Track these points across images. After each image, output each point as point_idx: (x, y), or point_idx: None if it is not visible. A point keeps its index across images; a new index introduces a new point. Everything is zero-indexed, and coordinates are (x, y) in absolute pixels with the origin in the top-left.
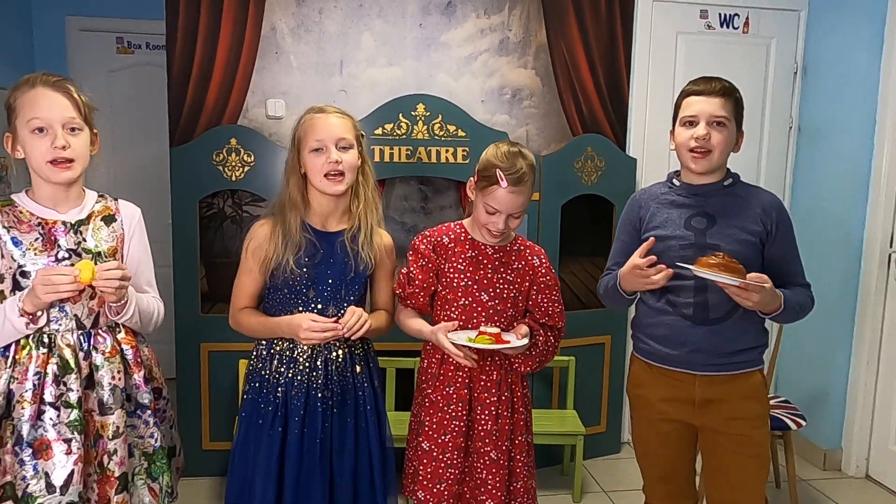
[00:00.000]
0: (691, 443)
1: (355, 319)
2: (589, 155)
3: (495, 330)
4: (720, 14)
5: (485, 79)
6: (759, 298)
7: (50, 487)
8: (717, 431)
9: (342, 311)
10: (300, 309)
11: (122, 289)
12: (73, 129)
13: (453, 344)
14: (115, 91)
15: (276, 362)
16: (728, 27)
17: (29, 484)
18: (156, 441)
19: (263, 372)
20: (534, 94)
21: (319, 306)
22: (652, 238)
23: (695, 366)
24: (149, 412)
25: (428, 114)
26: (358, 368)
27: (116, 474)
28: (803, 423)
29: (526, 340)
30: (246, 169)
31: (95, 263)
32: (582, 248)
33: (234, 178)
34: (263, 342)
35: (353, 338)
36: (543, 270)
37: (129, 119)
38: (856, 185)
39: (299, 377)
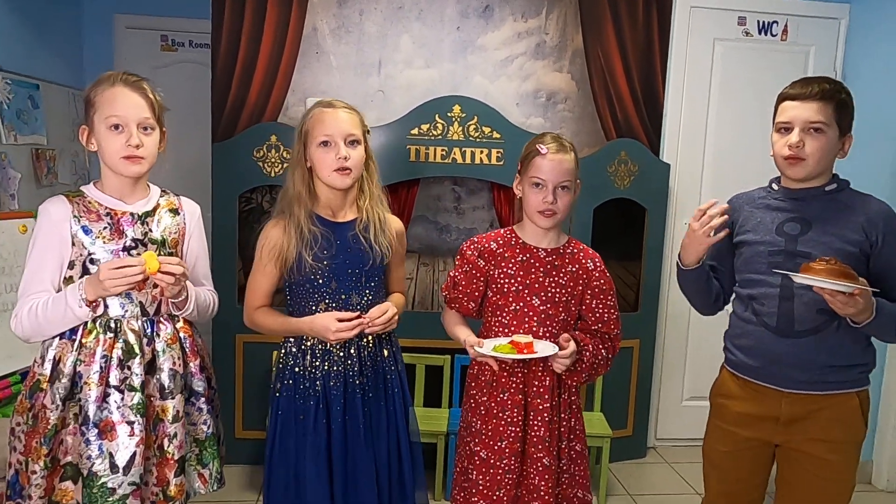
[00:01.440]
0: (766, 464)
1: (385, 319)
2: (622, 159)
3: (527, 339)
4: (758, 21)
5: (520, 82)
6: (864, 305)
7: (114, 467)
8: (797, 450)
9: (365, 299)
10: (326, 301)
11: (178, 284)
12: (146, 129)
13: (479, 354)
14: (160, 87)
15: (309, 357)
16: (766, 34)
17: (94, 463)
18: (208, 428)
19: (297, 368)
20: (569, 98)
21: (343, 296)
22: (723, 206)
23: (781, 381)
24: (203, 399)
25: (464, 115)
26: (385, 352)
27: (175, 457)
28: None
29: (553, 348)
30: (285, 165)
31: (159, 254)
32: (613, 252)
33: (272, 174)
34: (293, 339)
35: (385, 331)
36: (598, 274)
37: (171, 114)
38: (895, 196)
39: (336, 367)
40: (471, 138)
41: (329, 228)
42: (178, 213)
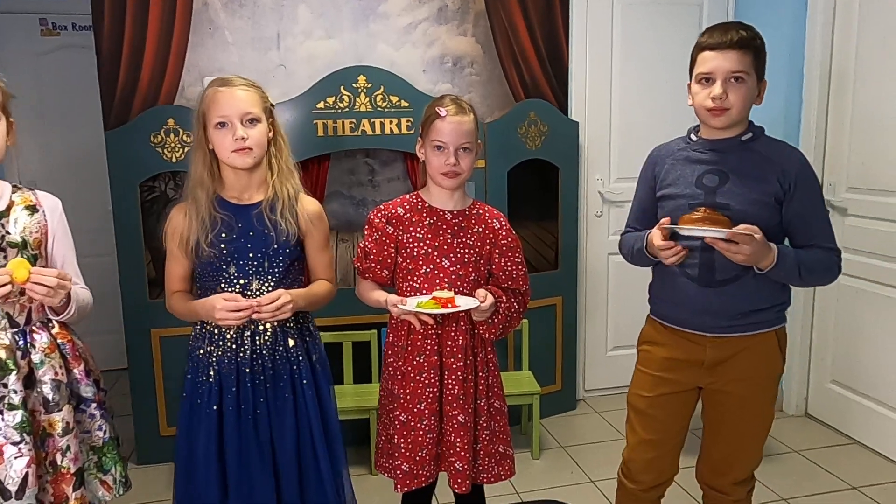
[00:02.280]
0: (689, 408)
1: (276, 305)
2: (532, 120)
3: (448, 294)
4: None
5: (425, 48)
6: (749, 251)
7: (5, 493)
8: (720, 391)
9: (267, 285)
10: (222, 286)
11: (56, 295)
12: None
13: (402, 311)
14: (43, 75)
15: (206, 342)
16: None
17: None
18: (105, 433)
19: (199, 352)
20: (475, 62)
21: (242, 282)
22: (667, 218)
23: (706, 327)
24: (94, 405)
25: (370, 85)
26: (291, 342)
27: (72, 471)
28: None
29: (474, 302)
30: (186, 149)
31: (21, 256)
32: (530, 213)
33: (174, 160)
34: (198, 324)
35: (275, 319)
36: (504, 233)
37: (60, 103)
38: (787, 133)
39: (228, 354)
40: (379, 108)
41: (231, 212)
42: (37, 210)
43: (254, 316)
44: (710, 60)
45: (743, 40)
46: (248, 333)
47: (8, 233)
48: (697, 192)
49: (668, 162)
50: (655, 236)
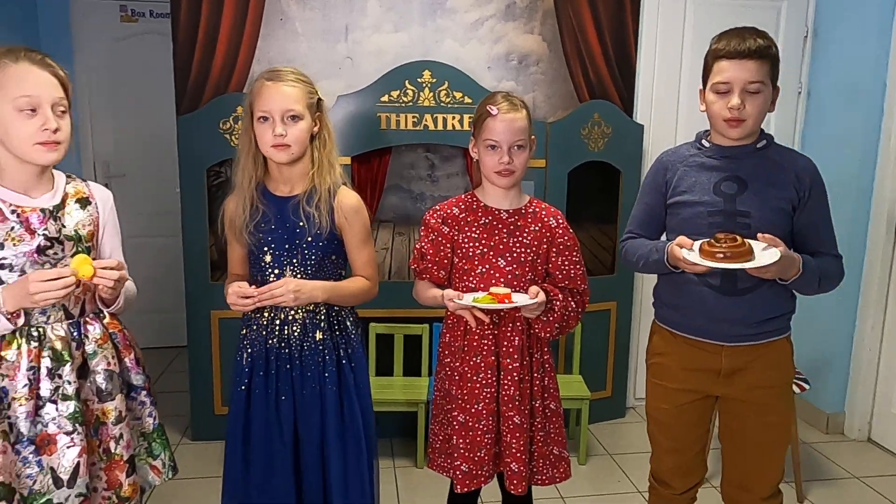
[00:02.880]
0: (707, 415)
1: (271, 294)
2: (596, 121)
3: (504, 290)
4: None
5: (491, 44)
6: (777, 268)
7: (57, 482)
8: (739, 400)
9: (301, 277)
10: (262, 275)
11: (117, 288)
12: (61, 110)
13: (458, 305)
14: (121, 60)
15: (244, 325)
16: None
17: (36, 480)
18: (154, 420)
19: (241, 332)
20: (541, 61)
21: (277, 271)
22: (687, 240)
23: (723, 336)
24: (143, 393)
25: (434, 80)
26: (318, 335)
27: (125, 458)
28: (807, 386)
29: (532, 299)
30: None
31: (77, 249)
32: (588, 215)
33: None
34: None
35: (293, 305)
36: (561, 231)
37: (135, 88)
38: (865, 151)
39: (259, 339)
40: (442, 104)
41: (271, 201)
42: (90, 203)
43: (257, 303)
44: (727, 70)
45: (760, 49)
46: (278, 322)
47: (64, 226)
48: (716, 200)
49: (680, 168)
50: (679, 253)
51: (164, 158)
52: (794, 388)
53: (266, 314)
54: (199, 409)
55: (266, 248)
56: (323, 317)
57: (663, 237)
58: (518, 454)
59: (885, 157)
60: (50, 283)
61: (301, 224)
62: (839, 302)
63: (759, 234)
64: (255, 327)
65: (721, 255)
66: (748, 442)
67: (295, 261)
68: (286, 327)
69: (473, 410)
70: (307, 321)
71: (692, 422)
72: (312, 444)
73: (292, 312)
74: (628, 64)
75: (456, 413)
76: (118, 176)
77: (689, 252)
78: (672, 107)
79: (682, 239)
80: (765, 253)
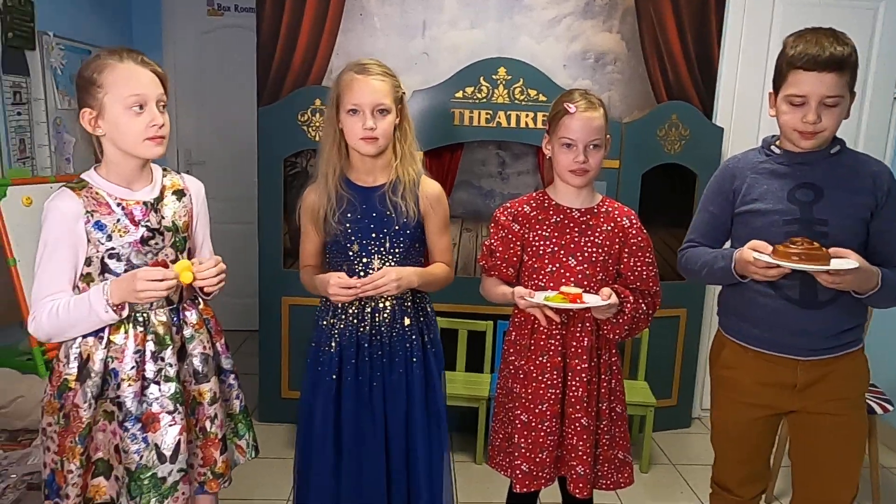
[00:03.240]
0: (776, 427)
1: (375, 284)
2: (673, 123)
3: (576, 290)
4: None
5: (568, 42)
6: (853, 279)
7: (161, 457)
8: (812, 413)
9: (389, 265)
10: (347, 264)
11: (221, 284)
12: (163, 106)
13: (529, 303)
14: (206, 53)
15: (330, 314)
16: None
17: (143, 456)
18: (241, 402)
19: (322, 323)
20: (618, 59)
21: (365, 260)
22: (765, 244)
23: (800, 350)
24: (232, 376)
25: (509, 77)
26: (406, 321)
27: (219, 437)
28: (890, 407)
29: (604, 300)
30: None
31: (174, 239)
32: (661, 219)
33: (317, 138)
34: (322, 296)
35: (380, 294)
36: (634, 231)
37: (218, 79)
38: None
39: (349, 328)
40: (516, 101)
41: (356, 192)
42: (185, 195)
43: (360, 294)
44: (804, 83)
45: (840, 60)
46: (369, 310)
47: (163, 217)
48: (792, 208)
49: (749, 175)
50: (750, 257)
51: (242, 148)
52: (877, 408)
53: (355, 303)
54: (267, 392)
55: (354, 238)
56: (409, 303)
57: (727, 245)
58: (584, 457)
59: None
60: (155, 283)
61: (388, 213)
62: None
63: (833, 249)
64: (343, 317)
65: (797, 257)
66: (822, 456)
67: (383, 249)
68: (377, 315)
69: (537, 411)
70: (396, 308)
71: (761, 436)
72: (399, 427)
73: (382, 300)
74: (710, 64)
75: (519, 412)
76: (198, 163)
77: (761, 254)
78: (755, 110)
79: (756, 242)
80: (842, 260)
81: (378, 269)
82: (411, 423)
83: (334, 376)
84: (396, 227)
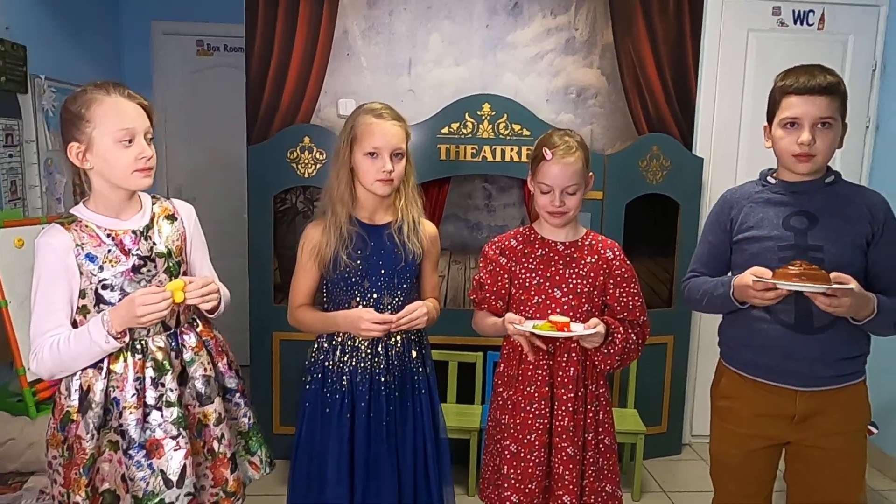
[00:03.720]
0: (776, 461)
1: (410, 318)
2: (654, 154)
3: (563, 319)
4: (794, 10)
5: (550, 78)
6: (851, 303)
7: (168, 483)
8: (813, 446)
9: (396, 300)
10: (357, 300)
11: (212, 300)
12: (150, 138)
13: (517, 330)
14: (196, 91)
15: (338, 353)
16: (802, 24)
17: (149, 482)
18: (249, 419)
19: (326, 363)
20: (599, 94)
21: (375, 295)
22: (764, 270)
23: (798, 379)
24: (238, 395)
25: (493, 113)
26: (414, 353)
27: (228, 456)
28: (875, 430)
29: (589, 330)
30: (318, 166)
31: (168, 265)
32: (646, 248)
33: (306, 175)
34: (323, 336)
35: (411, 328)
36: (618, 263)
37: (208, 118)
38: None
39: (363, 364)
40: (501, 136)
41: (365, 230)
42: (176, 219)
43: (393, 328)
44: (797, 106)
45: (831, 86)
46: (382, 346)
47: (155, 244)
48: (786, 234)
49: (745, 205)
50: (748, 280)
51: (231, 184)
52: None
53: (368, 340)
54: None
55: (365, 274)
56: (415, 336)
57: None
58: (570, 486)
59: None
60: (154, 305)
61: (396, 251)
62: None
63: (832, 274)
64: (356, 354)
65: (797, 278)
66: (819, 491)
67: (392, 285)
68: (390, 350)
69: (526, 441)
70: (405, 342)
71: (761, 468)
72: (407, 459)
73: (394, 335)
74: (688, 97)
75: (508, 443)
76: (188, 200)
77: (760, 277)
78: (733, 140)
79: (757, 269)
80: (834, 274)
81: (388, 304)
82: (420, 453)
83: (348, 415)
84: (403, 265)
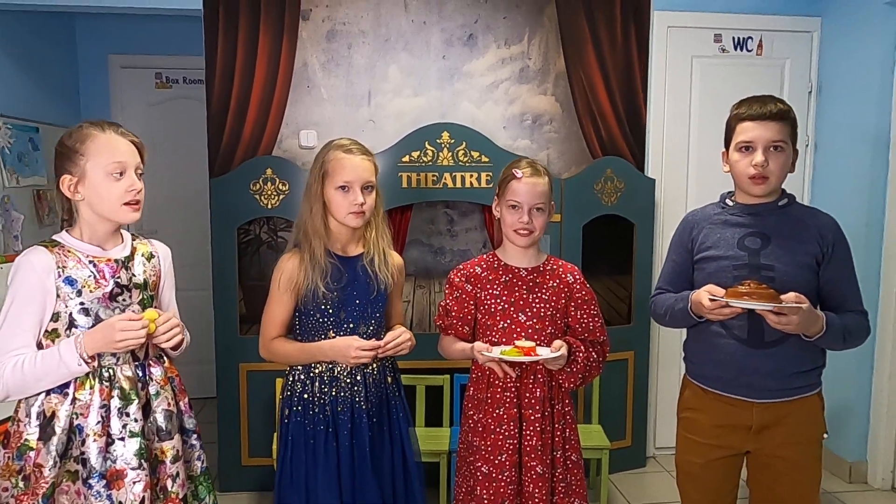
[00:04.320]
0: (737, 470)
1: (400, 341)
2: (609, 177)
3: (529, 344)
4: (734, 38)
5: (506, 106)
6: (799, 320)
7: None
8: (770, 455)
9: (370, 328)
10: (333, 330)
11: (178, 333)
12: (140, 174)
13: (488, 357)
14: (154, 123)
15: (317, 384)
16: (742, 50)
17: None
18: (202, 463)
19: (305, 395)
20: (554, 120)
21: (351, 325)
22: (718, 288)
23: (752, 392)
24: (194, 436)
25: (452, 141)
26: (389, 379)
27: (180, 496)
28: (826, 435)
29: (555, 353)
30: (281, 197)
31: (142, 296)
32: (603, 267)
33: (269, 206)
34: (300, 366)
35: (401, 353)
36: (578, 286)
37: (167, 150)
38: (873, 201)
39: (343, 394)
40: (460, 163)
41: (340, 262)
42: (154, 257)
43: (380, 354)
44: (751, 130)
45: (782, 112)
46: (360, 374)
47: (134, 275)
48: (741, 254)
49: (705, 226)
50: (704, 298)
51: (192, 215)
52: None
53: (347, 369)
54: (227, 459)
55: (341, 305)
56: (389, 362)
57: None
58: (540, 503)
59: (892, 206)
60: (133, 332)
61: (369, 282)
62: (855, 349)
63: (784, 296)
64: (335, 384)
65: (746, 297)
66: (777, 498)
67: (365, 314)
68: (368, 377)
69: (497, 462)
70: (381, 368)
71: (723, 476)
72: (387, 482)
73: (372, 363)
74: (638, 121)
75: (480, 464)
76: (150, 232)
77: (715, 296)
78: (682, 160)
79: (711, 287)
80: (788, 295)
81: (364, 333)
82: (399, 475)
83: (334, 443)
84: (375, 294)
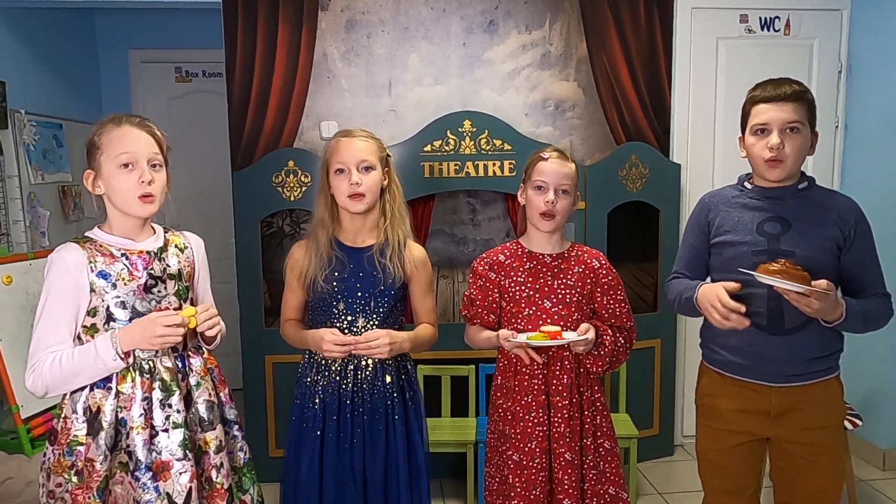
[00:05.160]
0: (760, 455)
1: (369, 345)
2: (633, 163)
3: (555, 328)
4: (760, 18)
5: (528, 92)
6: (820, 306)
7: None
8: (791, 442)
9: (372, 323)
10: (331, 321)
11: (217, 323)
12: (155, 165)
13: (514, 344)
14: (175, 117)
15: (314, 371)
16: (769, 30)
17: None
18: (245, 454)
19: (306, 380)
20: (576, 106)
21: (349, 318)
22: (738, 285)
23: (771, 377)
24: (236, 427)
25: (474, 129)
26: (388, 379)
27: (225, 486)
28: (860, 423)
29: (582, 335)
30: (303, 189)
31: (178, 287)
32: (629, 254)
33: (292, 199)
34: (307, 352)
35: (375, 357)
36: (604, 272)
37: (188, 143)
38: None
39: (332, 384)
40: (483, 151)
41: (345, 252)
42: (187, 248)
43: (353, 351)
44: (766, 112)
45: (797, 93)
46: (352, 367)
47: (168, 265)
48: (760, 240)
49: (722, 209)
50: (720, 292)
51: (215, 209)
52: (847, 424)
53: (339, 360)
54: (254, 451)
55: (340, 297)
56: (391, 361)
57: (709, 280)
58: (570, 490)
59: None
60: (173, 328)
61: (376, 274)
62: (889, 335)
63: (816, 282)
64: (326, 374)
65: (778, 274)
66: (801, 484)
67: (368, 308)
68: (359, 372)
69: (527, 449)
70: (377, 366)
71: (744, 463)
72: (378, 483)
73: (366, 358)
74: (663, 106)
75: (511, 452)
76: (172, 226)
77: (719, 288)
78: (708, 145)
79: (727, 284)
80: (819, 281)
81: (363, 327)
82: (392, 477)
83: (318, 432)
84: (382, 288)
